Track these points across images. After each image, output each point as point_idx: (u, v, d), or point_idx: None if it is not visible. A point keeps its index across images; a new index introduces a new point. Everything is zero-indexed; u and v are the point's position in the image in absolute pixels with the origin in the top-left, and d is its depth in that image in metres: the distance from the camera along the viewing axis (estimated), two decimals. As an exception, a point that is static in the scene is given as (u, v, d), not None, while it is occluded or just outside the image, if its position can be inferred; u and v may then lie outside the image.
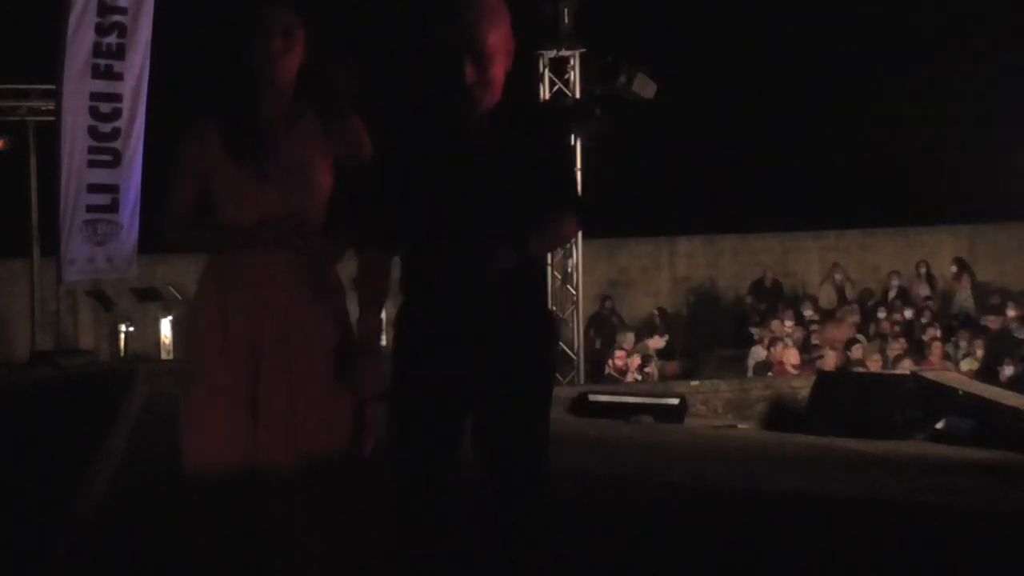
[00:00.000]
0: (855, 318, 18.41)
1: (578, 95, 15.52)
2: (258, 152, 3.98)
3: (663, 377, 16.65)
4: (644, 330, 18.73)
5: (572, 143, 4.11)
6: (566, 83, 15.61)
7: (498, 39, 3.73)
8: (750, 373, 16.51)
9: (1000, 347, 16.57)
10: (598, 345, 17.92)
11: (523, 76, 3.58)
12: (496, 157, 3.77)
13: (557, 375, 15.62)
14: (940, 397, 13.14)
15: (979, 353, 16.62)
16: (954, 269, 20.34)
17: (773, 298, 19.80)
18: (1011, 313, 17.91)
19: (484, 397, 3.80)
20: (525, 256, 3.72)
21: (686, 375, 16.91)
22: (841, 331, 17.50)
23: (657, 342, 17.98)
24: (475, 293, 3.70)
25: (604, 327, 18.57)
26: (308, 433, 3.90)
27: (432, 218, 3.78)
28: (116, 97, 12.70)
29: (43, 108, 13.86)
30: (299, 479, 3.87)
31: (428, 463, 3.81)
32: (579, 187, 4.05)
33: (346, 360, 3.92)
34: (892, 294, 19.85)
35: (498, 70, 3.75)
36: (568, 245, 15.91)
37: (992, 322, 17.81)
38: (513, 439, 3.80)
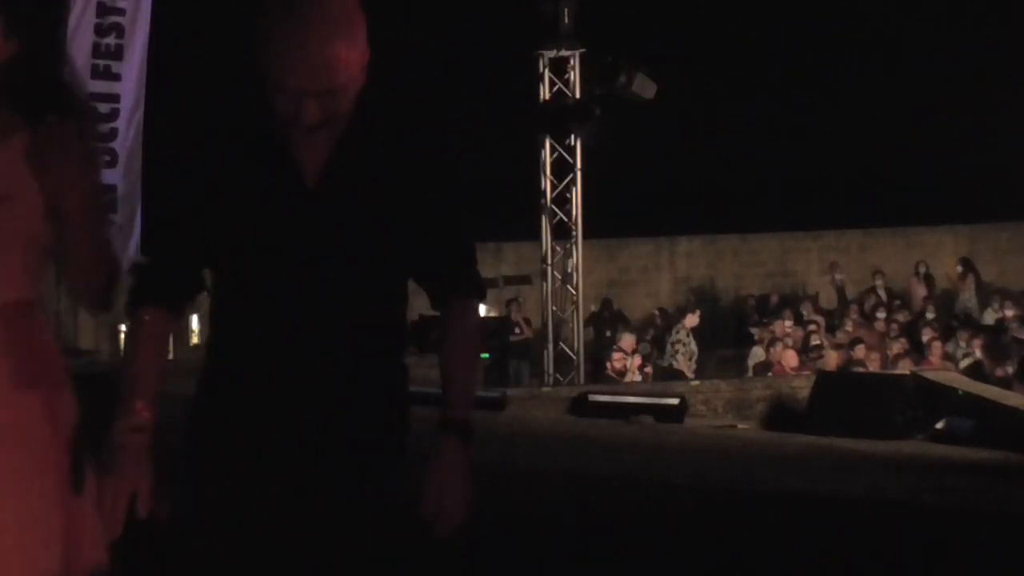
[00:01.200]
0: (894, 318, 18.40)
1: (578, 95, 15.52)
2: None
3: (666, 377, 16.60)
4: (643, 327, 18.72)
5: (458, 173, 2.70)
6: (566, 83, 15.61)
7: (352, 59, 2.55)
8: (750, 373, 16.51)
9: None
10: (598, 345, 17.91)
11: (383, 81, 2.71)
12: (339, 199, 2.62)
13: (557, 375, 15.65)
14: (940, 397, 13.13)
15: (978, 353, 16.62)
16: (959, 269, 20.39)
17: (777, 311, 19.73)
18: (1010, 313, 17.94)
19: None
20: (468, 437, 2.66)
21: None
22: (872, 335, 17.45)
23: (692, 320, 17.49)
24: (303, 399, 2.64)
25: (603, 328, 18.56)
26: None
27: (245, 292, 2.67)
28: (114, 98, 12.69)
29: (43, 108, 13.83)
30: None
31: None
32: (468, 238, 2.78)
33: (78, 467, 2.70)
34: (882, 295, 19.89)
35: (350, 98, 2.59)
36: (568, 245, 15.93)
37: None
38: None
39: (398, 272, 2.70)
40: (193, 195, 2.65)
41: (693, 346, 17.06)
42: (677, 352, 16.94)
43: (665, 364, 16.95)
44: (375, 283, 2.66)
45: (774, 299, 20.28)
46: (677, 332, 17.23)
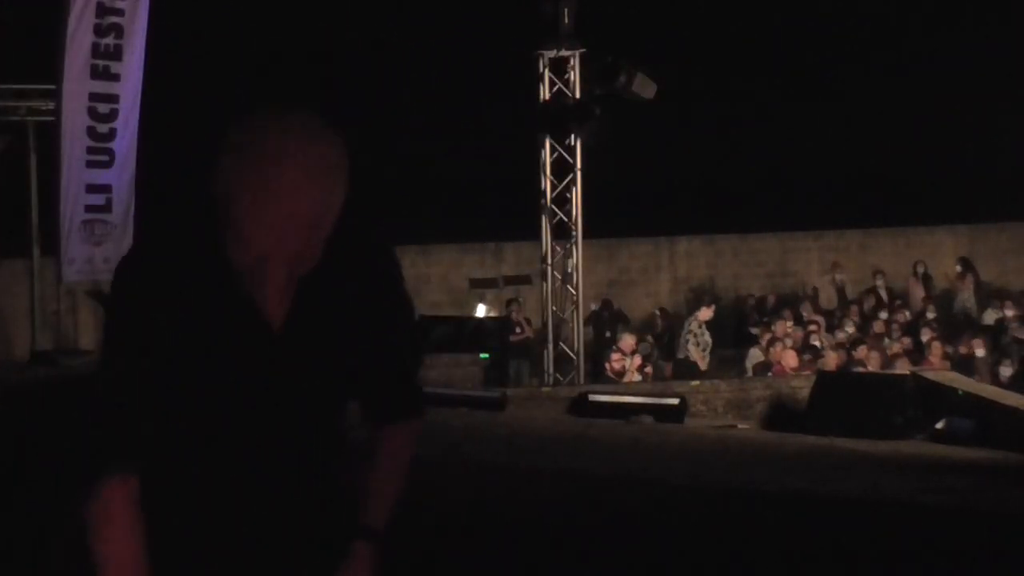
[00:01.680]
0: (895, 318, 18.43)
1: (578, 95, 15.52)
2: None
3: (680, 368, 16.59)
4: (643, 327, 18.71)
5: (408, 307, 2.57)
6: (566, 83, 15.61)
7: (329, 219, 2.28)
8: (750, 373, 16.51)
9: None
10: (598, 345, 17.91)
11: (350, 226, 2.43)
12: (304, 342, 2.45)
13: (557, 375, 15.64)
14: (940, 397, 13.11)
15: (979, 352, 16.63)
16: (959, 268, 20.39)
17: (775, 311, 19.75)
18: (1010, 313, 17.94)
19: None
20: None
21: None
22: (872, 336, 17.44)
23: (706, 313, 17.44)
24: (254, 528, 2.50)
25: (603, 328, 18.57)
26: None
27: (198, 438, 2.45)
28: (113, 98, 12.72)
29: (43, 108, 13.85)
30: None
31: None
32: (414, 363, 2.82)
33: None
34: (882, 295, 19.89)
35: (319, 252, 2.33)
36: (568, 245, 15.93)
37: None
38: None
39: (346, 399, 2.59)
40: (153, 344, 2.36)
41: (707, 337, 17.06)
42: (689, 343, 16.94)
43: (680, 356, 16.96)
44: (328, 415, 2.55)
45: (771, 300, 20.29)
46: (690, 324, 17.27)
